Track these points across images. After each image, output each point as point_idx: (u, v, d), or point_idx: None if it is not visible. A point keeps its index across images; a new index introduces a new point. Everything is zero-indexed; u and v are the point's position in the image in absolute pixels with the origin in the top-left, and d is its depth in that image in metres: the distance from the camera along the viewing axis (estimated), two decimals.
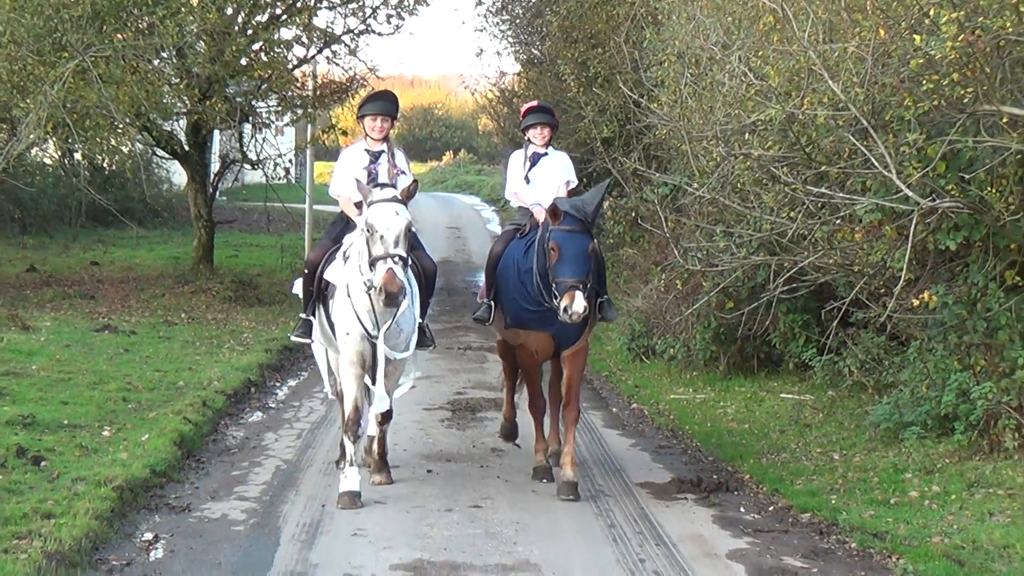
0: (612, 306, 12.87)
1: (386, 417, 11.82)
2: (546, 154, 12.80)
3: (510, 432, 13.82)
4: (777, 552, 10.55)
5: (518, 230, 12.67)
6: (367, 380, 11.66)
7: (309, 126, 33.60)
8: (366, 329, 11.18)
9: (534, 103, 13.51)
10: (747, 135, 15.22)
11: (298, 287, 12.94)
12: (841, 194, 14.01)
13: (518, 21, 33.48)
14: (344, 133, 35.09)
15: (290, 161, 36.18)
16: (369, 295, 10.97)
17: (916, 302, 13.98)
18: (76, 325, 20.77)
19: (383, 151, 12.12)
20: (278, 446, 13.95)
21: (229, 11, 27.20)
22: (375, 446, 12.12)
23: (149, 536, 10.31)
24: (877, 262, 14.39)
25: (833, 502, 11.97)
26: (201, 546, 10.12)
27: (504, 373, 14.18)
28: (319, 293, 11.83)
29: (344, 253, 11.59)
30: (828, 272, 15.49)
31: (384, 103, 12.08)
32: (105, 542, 9.93)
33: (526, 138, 12.99)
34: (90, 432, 13.20)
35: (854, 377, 15.99)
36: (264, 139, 32.72)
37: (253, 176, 35.46)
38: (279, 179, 34.80)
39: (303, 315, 12.12)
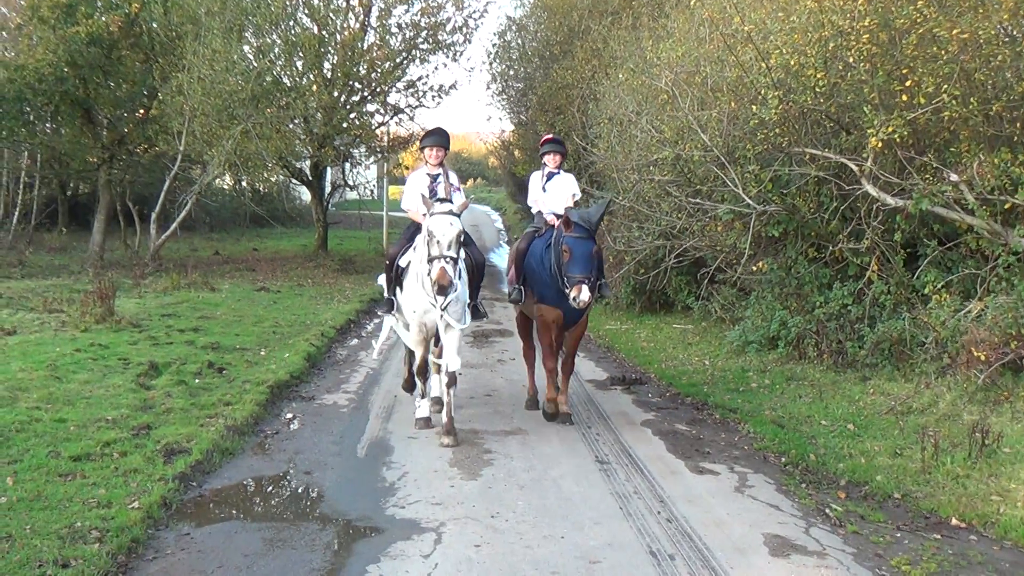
0: (608, 287, 11.22)
1: (452, 380, 9.60)
2: (558, 173, 11.24)
3: (533, 403, 11.29)
4: (671, 421, 10.52)
5: (537, 231, 11.02)
6: (433, 347, 10.20)
7: (385, 164, 33.52)
8: (434, 304, 9.37)
9: (550, 136, 11.85)
10: (651, 167, 15.16)
11: (381, 279, 11.26)
12: (709, 203, 13.97)
13: (512, 98, 33.29)
14: (407, 168, 35.07)
15: (374, 185, 36.14)
16: (429, 270, 9.18)
17: (755, 268, 13.97)
18: (244, 287, 20.70)
19: (440, 174, 10.47)
20: (367, 360, 13.87)
21: (336, 94, 27.08)
22: (444, 411, 9.63)
23: (289, 415, 10.30)
24: (731, 244, 14.35)
25: (705, 390, 11.91)
26: (321, 421, 10.11)
27: (525, 355, 11.79)
28: (397, 278, 10.16)
29: (415, 248, 9.87)
30: (701, 250, 15.46)
31: (438, 137, 10.58)
32: (262, 419, 9.95)
33: (543, 162, 11.40)
34: (253, 352, 13.16)
35: (718, 314, 15.95)
36: (358, 172, 32.78)
37: (351, 195, 35.34)
38: (367, 197, 34.92)
39: (388, 295, 10.48)
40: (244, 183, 34.36)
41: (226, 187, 36.38)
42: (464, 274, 9.72)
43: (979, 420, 8.62)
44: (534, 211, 11.31)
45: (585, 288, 9.34)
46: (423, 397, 10.32)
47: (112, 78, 24.96)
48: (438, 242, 8.99)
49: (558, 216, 10.57)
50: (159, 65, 24.44)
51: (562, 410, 10.46)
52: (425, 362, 10.19)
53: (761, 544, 6.62)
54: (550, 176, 11.24)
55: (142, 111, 26.95)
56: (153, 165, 28.44)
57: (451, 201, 9.61)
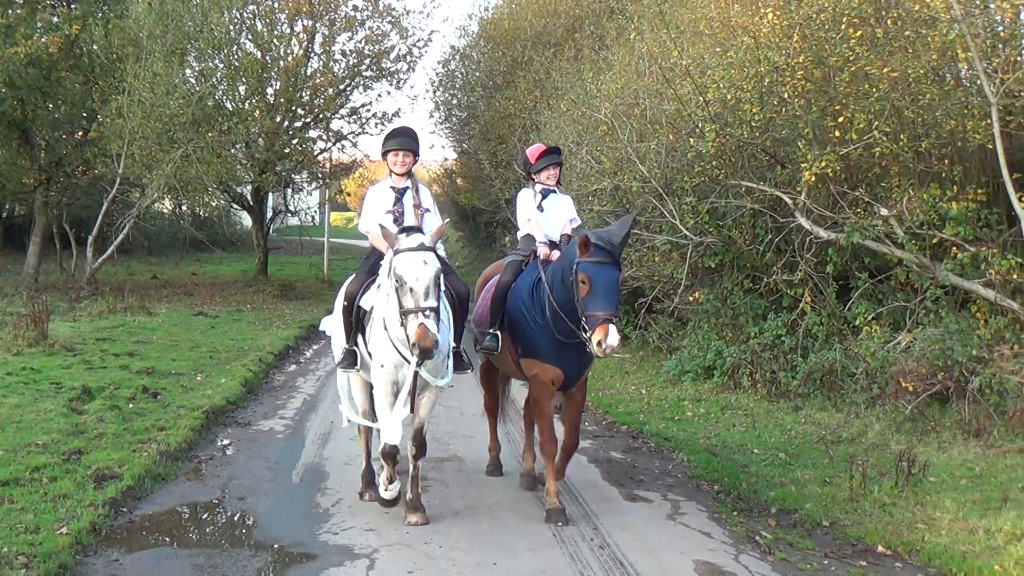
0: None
1: (420, 450, 7.78)
2: (554, 191, 9.09)
3: (496, 466, 9.42)
4: (606, 449, 10.60)
5: (524, 260, 8.75)
6: (404, 409, 7.53)
7: (327, 191, 33.48)
8: (404, 357, 7.31)
9: (542, 147, 9.36)
10: (591, 197, 15.31)
11: (326, 324, 9.10)
12: (647, 233, 14.14)
13: (455, 127, 33.46)
14: (348, 195, 35.05)
15: (315, 212, 36.03)
16: (404, 328, 7.10)
17: (691, 298, 14.15)
18: (181, 312, 20.52)
19: (408, 187, 8.27)
20: (305, 386, 13.82)
21: (278, 119, 27.03)
22: (409, 487, 7.79)
23: (224, 441, 10.22)
24: (668, 274, 14.53)
25: (641, 418, 12.00)
26: (256, 447, 10.05)
27: (486, 405, 9.81)
28: (358, 323, 7.99)
29: (378, 284, 7.79)
30: (639, 280, 15.60)
31: (405, 139, 8.36)
32: (197, 445, 9.85)
33: (533, 181, 9.05)
34: (189, 377, 13.04)
35: (655, 343, 16.09)
36: (299, 198, 32.69)
37: (292, 220, 35.23)
38: (309, 223, 34.82)
39: (346, 346, 8.05)
40: (184, 207, 34.08)
41: (165, 211, 36.07)
42: (446, 313, 7.80)
43: (906, 449, 8.79)
44: (525, 231, 9.02)
45: (613, 329, 7.28)
46: (391, 482, 7.90)
47: (51, 99, 24.66)
48: (411, 289, 6.98)
49: (554, 244, 8.69)
50: (99, 87, 24.23)
51: (550, 504, 7.93)
52: (393, 445, 7.65)
53: (691, 571, 6.70)
54: (546, 193, 9.03)
55: (81, 133, 26.66)
56: (91, 188, 28.07)
57: (421, 230, 7.60)
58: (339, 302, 8.30)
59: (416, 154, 8.41)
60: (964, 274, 10.76)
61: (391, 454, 7.64)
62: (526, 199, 9.08)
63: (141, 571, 6.37)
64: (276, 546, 6.99)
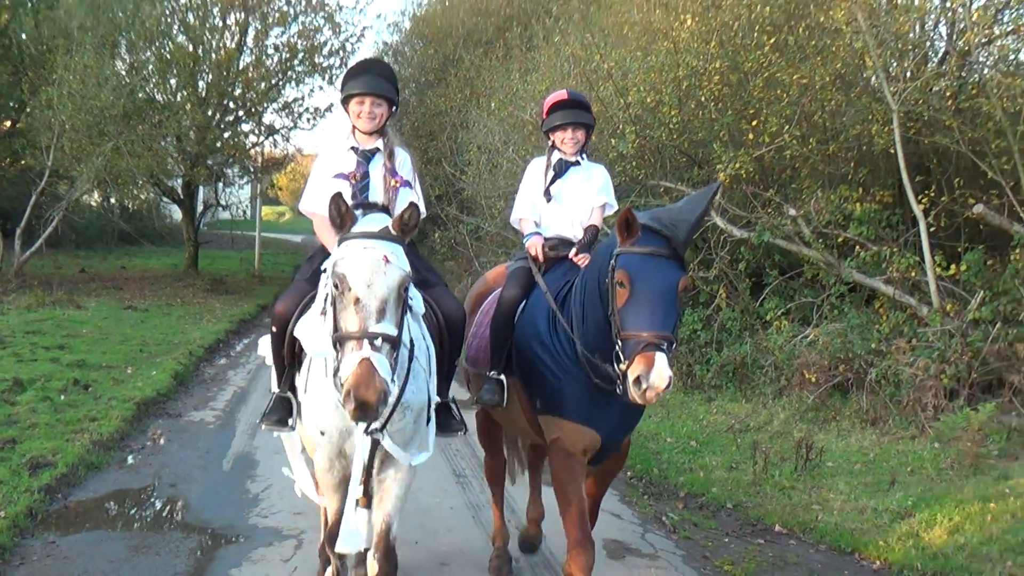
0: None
1: (387, 569, 5.00)
2: (577, 163, 6.35)
3: (503, 563, 6.70)
4: None
5: (539, 266, 6.07)
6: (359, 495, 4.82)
7: (258, 184, 33.57)
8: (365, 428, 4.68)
9: (563, 94, 6.50)
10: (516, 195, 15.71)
11: (265, 346, 5.95)
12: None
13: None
14: (280, 189, 35.19)
15: (247, 206, 36.17)
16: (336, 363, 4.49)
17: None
18: (111, 305, 20.53)
19: (378, 150, 5.72)
20: (236, 378, 14.07)
21: (210, 113, 27.11)
22: None
23: (156, 432, 10.49)
24: None
25: None
26: (187, 437, 10.34)
27: (488, 472, 7.24)
28: (295, 358, 5.38)
29: (324, 303, 4.84)
30: None
31: (375, 79, 5.74)
32: (128, 435, 10.13)
33: (549, 143, 6.44)
34: (120, 370, 13.21)
35: None
36: (231, 192, 32.82)
37: (224, 214, 35.28)
38: (240, 217, 34.92)
39: (276, 390, 5.49)
40: (113, 200, 33.97)
41: (94, 204, 35.87)
42: (427, 350, 5.18)
43: (804, 437, 9.38)
44: (525, 233, 6.39)
45: (661, 359, 4.71)
46: None
47: None
48: (357, 301, 4.35)
49: (571, 247, 6.12)
50: (28, 78, 24.14)
51: None
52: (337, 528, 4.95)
53: (600, 548, 7.12)
54: (563, 168, 6.35)
55: (8, 123, 26.55)
56: (18, 180, 27.93)
57: (388, 211, 5.25)
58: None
59: (393, 103, 5.84)
60: (867, 271, 11.38)
61: (333, 537, 5.01)
62: (530, 180, 6.48)
63: (78, 552, 6.70)
64: (208, 528, 7.35)
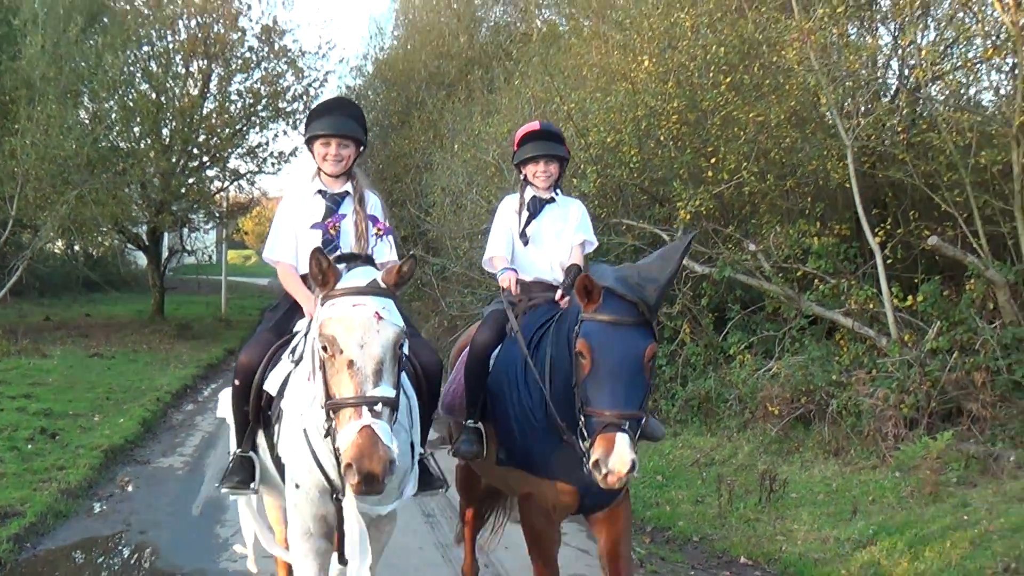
0: (659, 424, 5.92)
1: None
2: (552, 200, 6.13)
3: None
4: None
5: (513, 308, 5.75)
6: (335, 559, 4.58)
7: (224, 229, 33.58)
8: (330, 481, 4.46)
9: (534, 125, 6.35)
10: (481, 236, 15.84)
11: (224, 405, 5.60)
12: None
13: None
14: (246, 233, 35.22)
15: (212, 250, 36.18)
16: (331, 432, 4.11)
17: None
18: (77, 353, 20.46)
19: (348, 193, 5.44)
20: (203, 424, 14.07)
21: (174, 159, 27.17)
22: None
23: (124, 479, 10.51)
24: None
25: None
26: (156, 484, 10.37)
27: (462, 515, 7.17)
28: (261, 416, 5.04)
29: (294, 352, 4.86)
30: None
31: (341, 118, 5.47)
32: (97, 483, 10.15)
33: (521, 177, 6.24)
34: (87, 418, 13.17)
35: None
36: (196, 237, 32.82)
37: (189, 259, 35.24)
38: (205, 261, 34.92)
39: (237, 451, 5.19)
40: (77, 247, 33.83)
41: (58, 251, 35.73)
42: (407, 402, 4.74)
43: (768, 469, 9.51)
44: (498, 269, 6.07)
45: (623, 441, 4.34)
46: None
47: None
48: (350, 364, 4.01)
49: (551, 288, 5.90)
50: None
51: None
52: None
53: None
54: (538, 206, 6.14)
55: None
56: None
57: (372, 262, 4.58)
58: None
59: (361, 143, 5.57)
60: (826, 304, 11.56)
61: None
62: (502, 219, 6.22)
63: None
64: (178, 574, 7.38)
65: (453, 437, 6.16)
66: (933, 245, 10.57)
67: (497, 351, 5.69)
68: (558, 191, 6.27)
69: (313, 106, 6.20)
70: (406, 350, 4.35)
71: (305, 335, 4.73)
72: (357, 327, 4.06)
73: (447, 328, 18.69)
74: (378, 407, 3.95)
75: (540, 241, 6.09)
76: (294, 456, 4.63)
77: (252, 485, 5.13)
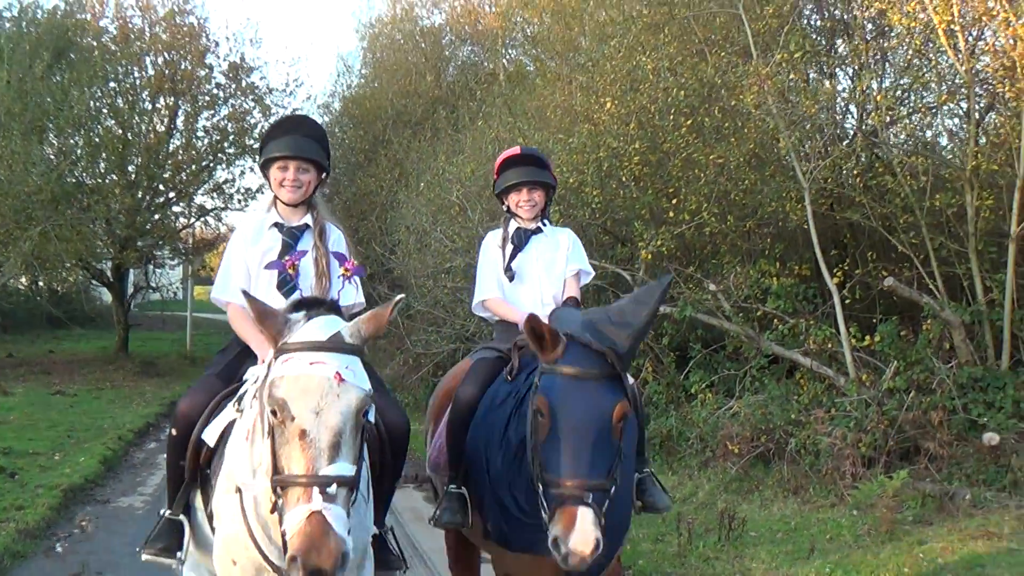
0: (658, 485, 5.24)
1: None
2: (539, 231, 5.68)
3: None
4: None
5: (501, 359, 5.17)
6: None
7: (190, 266, 33.48)
8: (269, 559, 3.75)
9: (515, 150, 5.93)
10: (445, 275, 15.92)
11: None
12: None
13: None
14: (212, 270, 35.03)
15: (178, 287, 36.06)
16: (277, 513, 3.40)
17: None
18: (39, 391, 20.30)
19: (307, 226, 4.85)
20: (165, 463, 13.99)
21: (139, 195, 27.11)
22: None
23: (84, 519, 10.41)
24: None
25: None
26: (116, 523, 10.25)
27: None
28: (198, 475, 4.39)
29: (239, 401, 4.14)
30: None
31: (300, 139, 4.83)
32: (55, 523, 10.02)
33: (504, 208, 5.79)
34: (47, 457, 13.06)
35: None
36: (161, 274, 32.69)
37: (154, 295, 35.09)
38: (171, 297, 34.76)
39: (166, 512, 4.50)
40: (41, 283, 33.60)
41: (21, 287, 35.47)
42: (366, 473, 4.05)
43: (727, 507, 9.56)
44: (499, 315, 5.61)
45: (586, 516, 3.74)
46: None
47: None
48: (303, 435, 3.35)
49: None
50: None
51: None
52: None
53: None
54: (523, 238, 5.65)
55: None
56: None
57: (337, 308, 3.97)
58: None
59: (323, 168, 4.94)
60: (785, 344, 11.70)
61: None
62: (487, 258, 5.70)
63: None
64: None
65: (438, 498, 5.34)
66: (889, 286, 10.74)
67: (480, 407, 4.99)
68: (545, 221, 5.81)
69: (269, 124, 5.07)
70: (371, 416, 3.68)
71: (256, 383, 3.93)
72: (313, 390, 3.36)
73: (412, 366, 18.71)
74: (332, 489, 3.27)
75: (527, 276, 5.59)
76: (229, 526, 3.93)
77: (179, 555, 4.41)
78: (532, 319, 4.05)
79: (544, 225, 5.77)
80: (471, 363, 5.39)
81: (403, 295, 4.02)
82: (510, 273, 5.57)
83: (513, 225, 5.69)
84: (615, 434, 3.94)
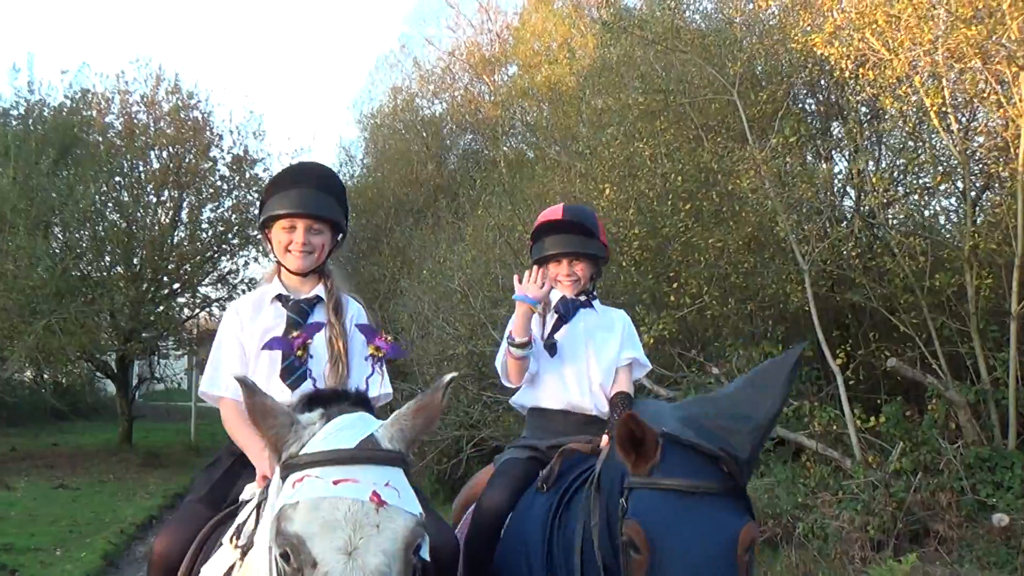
0: None
1: None
2: (587, 306, 4.66)
3: None
4: None
5: (537, 461, 4.25)
6: None
7: (194, 356, 33.43)
8: None
9: (556, 212, 4.76)
10: (448, 362, 15.71)
11: None
12: (502, 395, 14.73)
13: None
14: None
15: (182, 377, 35.97)
16: None
17: None
18: (41, 485, 20.14)
19: (319, 298, 3.90)
20: None
21: (144, 287, 27.18)
22: None
23: None
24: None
25: None
26: None
27: None
28: None
29: (239, 532, 2.98)
30: (498, 439, 16.08)
31: (311, 192, 3.84)
32: None
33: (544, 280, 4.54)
34: (48, 552, 12.92)
35: None
36: (166, 364, 32.63)
37: (159, 386, 35.03)
38: (175, 388, 34.66)
39: None
40: (46, 376, 33.55)
41: (26, 380, 35.41)
42: None
43: None
44: (524, 405, 4.78)
45: None
46: None
47: None
48: None
49: (600, 424, 4.42)
50: None
51: None
52: None
53: None
54: (569, 309, 4.66)
55: None
56: None
57: (366, 402, 2.87)
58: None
59: (340, 228, 4.13)
60: (790, 426, 11.60)
61: None
62: (521, 324, 4.46)
63: None
64: None
65: None
66: (892, 367, 10.68)
67: (509, 520, 4.03)
68: (595, 295, 4.80)
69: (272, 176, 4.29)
70: (425, 553, 2.53)
71: (257, 507, 3.02)
72: (342, 522, 2.34)
73: (416, 455, 18.52)
74: None
75: (575, 354, 4.47)
76: None
77: None
78: (630, 417, 2.93)
79: (592, 301, 4.74)
80: (497, 467, 4.51)
81: (456, 372, 3.12)
82: (553, 347, 4.45)
83: (556, 293, 4.66)
84: (742, 570, 2.82)
